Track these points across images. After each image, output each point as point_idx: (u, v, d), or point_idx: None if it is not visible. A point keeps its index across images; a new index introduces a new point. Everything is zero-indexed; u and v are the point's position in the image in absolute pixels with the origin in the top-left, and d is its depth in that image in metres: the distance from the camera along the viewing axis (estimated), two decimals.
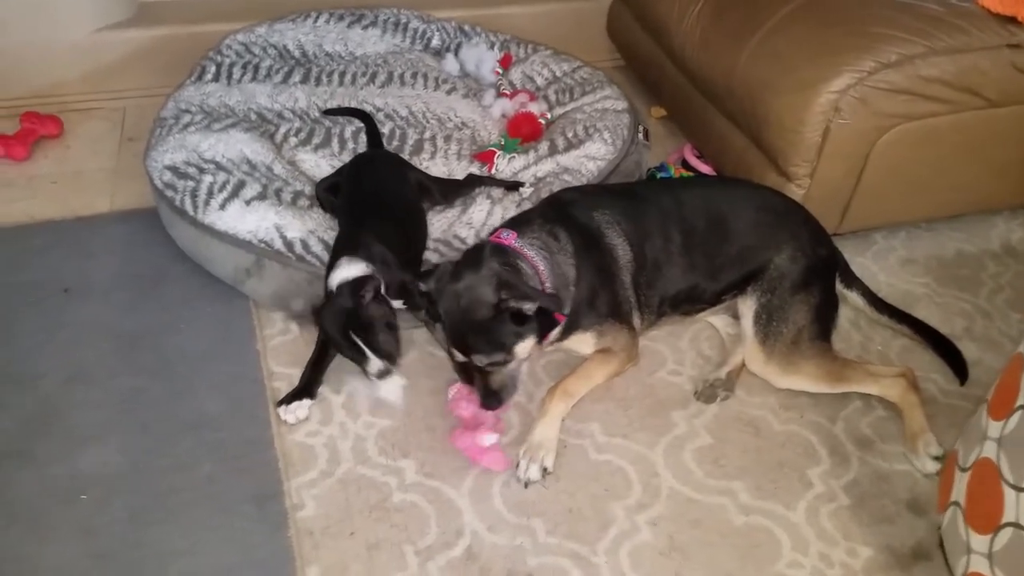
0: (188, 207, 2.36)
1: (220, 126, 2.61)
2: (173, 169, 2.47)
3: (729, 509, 1.91)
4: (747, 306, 2.16)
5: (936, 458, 2.01)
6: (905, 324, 2.33)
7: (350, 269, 1.96)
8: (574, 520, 1.86)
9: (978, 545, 1.56)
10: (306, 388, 2.06)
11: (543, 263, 1.93)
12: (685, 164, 2.97)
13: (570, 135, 2.71)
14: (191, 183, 2.41)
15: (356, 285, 1.93)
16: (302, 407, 2.03)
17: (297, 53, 3.05)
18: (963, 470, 1.66)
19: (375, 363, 1.96)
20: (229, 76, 2.88)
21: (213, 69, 2.90)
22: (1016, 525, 1.45)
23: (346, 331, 1.92)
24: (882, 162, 2.45)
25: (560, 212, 2.09)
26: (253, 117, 2.75)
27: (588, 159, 2.60)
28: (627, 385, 2.18)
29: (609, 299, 2.06)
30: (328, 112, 2.78)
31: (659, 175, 2.88)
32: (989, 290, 2.59)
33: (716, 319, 2.37)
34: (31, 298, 2.34)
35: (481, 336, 1.84)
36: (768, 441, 2.08)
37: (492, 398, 1.91)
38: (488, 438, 1.95)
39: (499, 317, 1.82)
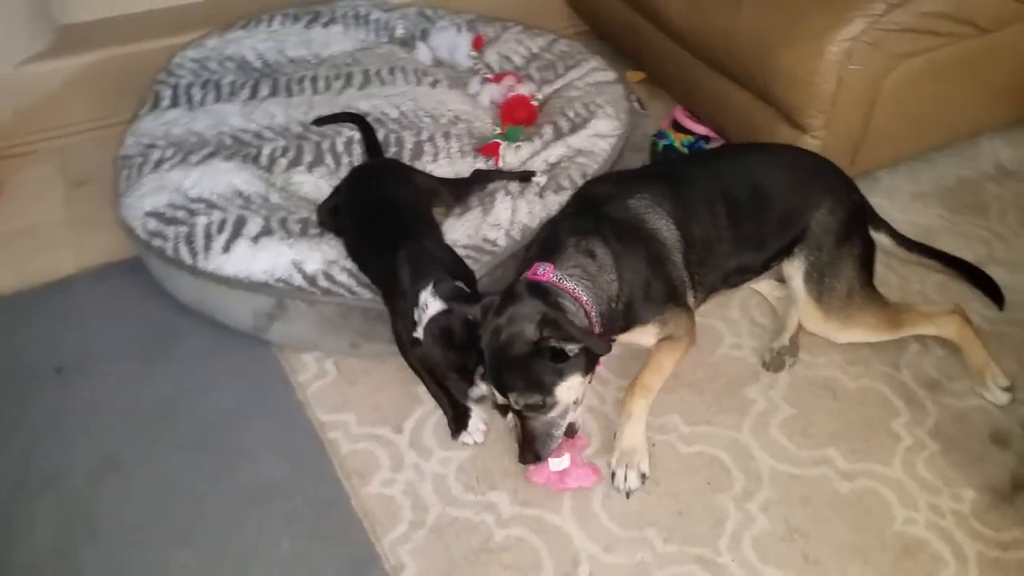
0: (185, 255, 2.12)
1: (198, 158, 2.36)
2: (157, 215, 2.21)
3: (832, 479, 1.88)
4: (795, 268, 2.12)
5: (1006, 389, 2.04)
6: (935, 259, 2.35)
7: (436, 303, 1.84)
8: (687, 522, 1.80)
9: None
10: (458, 408, 1.93)
11: (585, 292, 1.83)
12: (677, 127, 2.90)
13: (571, 114, 2.58)
14: (183, 228, 2.17)
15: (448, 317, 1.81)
16: (476, 423, 1.92)
17: (258, 63, 2.78)
18: None
19: (479, 387, 1.87)
20: (189, 99, 2.60)
21: (169, 93, 2.61)
22: None
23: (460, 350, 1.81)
24: (888, 102, 2.44)
25: (591, 217, 1.98)
26: (228, 142, 2.49)
27: (599, 137, 2.48)
28: (693, 368, 2.12)
29: (663, 285, 1.98)
30: (319, 122, 2.55)
31: (661, 143, 2.79)
32: (997, 212, 2.64)
33: (760, 285, 2.33)
34: (23, 383, 2.07)
35: (517, 373, 1.73)
36: (846, 401, 2.06)
37: (527, 450, 1.77)
38: (558, 462, 1.84)
39: (537, 355, 1.72)
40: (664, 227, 2.02)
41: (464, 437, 1.90)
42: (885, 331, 2.12)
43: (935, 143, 2.79)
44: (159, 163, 2.35)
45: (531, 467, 1.84)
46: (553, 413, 1.79)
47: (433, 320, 1.81)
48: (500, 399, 1.80)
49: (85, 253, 2.49)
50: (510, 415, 1.83)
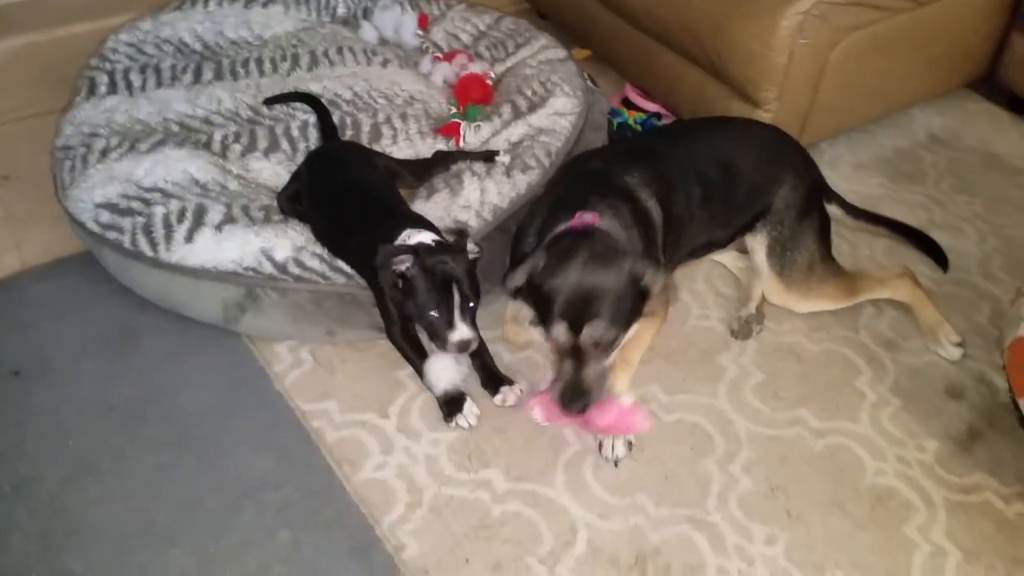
0: (145, 247, 2.03)
1: (147, 146, 2.25)
2: (110, 206, 2.10)
3: (806, 438, 1.97)
4: (758, 242, 2.18)
5: (958, 344, 2.17)
6: (881, 225, 2.46)
7: (420, 235, 1.80)
8: (675, 486, 1.85)
9: None
10: (448, 392, 1.90)
11: (628, 243, 1.81)
12: (628, 104, 2.94)
13: (529, 93, 2.58)
14: (140, 219, 2.07)
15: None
16: (470, 406, 1.90)
17: (198, 46, 2.66)
18: None
19: (462, 330, 1.77)
20: (128, 85, 2.47)
21: (106, 80, 2.47)
22: None
23: (446, 284, 1.74)
24: (834, 75, 2.54)
25: (602, 183, 1.95)
26: (176, 129, 2.38)
27: (559, 116, 2.49)
28: (666, 340, 2.17)
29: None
30: (269, 101, 2.46)
31: (615, 122, 2.83)
32: (933, 179, 2.80)
33: (723, 256, 2.40)
34: None
35: (608, 305, 1.64)
36: (811, 364, 2.15)
37: (577, 398, 1.67)
38: (627, 399, 1.82)
39: (632, 289, 1.68)
40: (653, 208, 2.02)
41: (459, 420, 1.89)
42: (843, 299, 2.22)
43: (874, 114, 2.92)
44: (105, 152, 2.23)
45: (592, 411, 1.72)
46: (610, 356, 1.74)
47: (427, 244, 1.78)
48: (564, 337, 1.67)
49: (28, 250, 2.35)
50: (563, 362, 1.72)
